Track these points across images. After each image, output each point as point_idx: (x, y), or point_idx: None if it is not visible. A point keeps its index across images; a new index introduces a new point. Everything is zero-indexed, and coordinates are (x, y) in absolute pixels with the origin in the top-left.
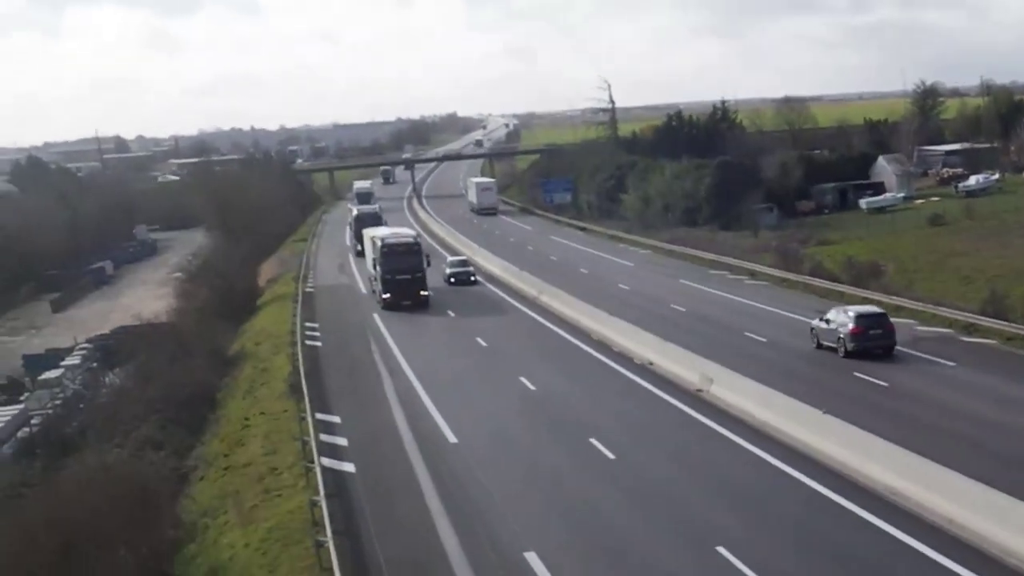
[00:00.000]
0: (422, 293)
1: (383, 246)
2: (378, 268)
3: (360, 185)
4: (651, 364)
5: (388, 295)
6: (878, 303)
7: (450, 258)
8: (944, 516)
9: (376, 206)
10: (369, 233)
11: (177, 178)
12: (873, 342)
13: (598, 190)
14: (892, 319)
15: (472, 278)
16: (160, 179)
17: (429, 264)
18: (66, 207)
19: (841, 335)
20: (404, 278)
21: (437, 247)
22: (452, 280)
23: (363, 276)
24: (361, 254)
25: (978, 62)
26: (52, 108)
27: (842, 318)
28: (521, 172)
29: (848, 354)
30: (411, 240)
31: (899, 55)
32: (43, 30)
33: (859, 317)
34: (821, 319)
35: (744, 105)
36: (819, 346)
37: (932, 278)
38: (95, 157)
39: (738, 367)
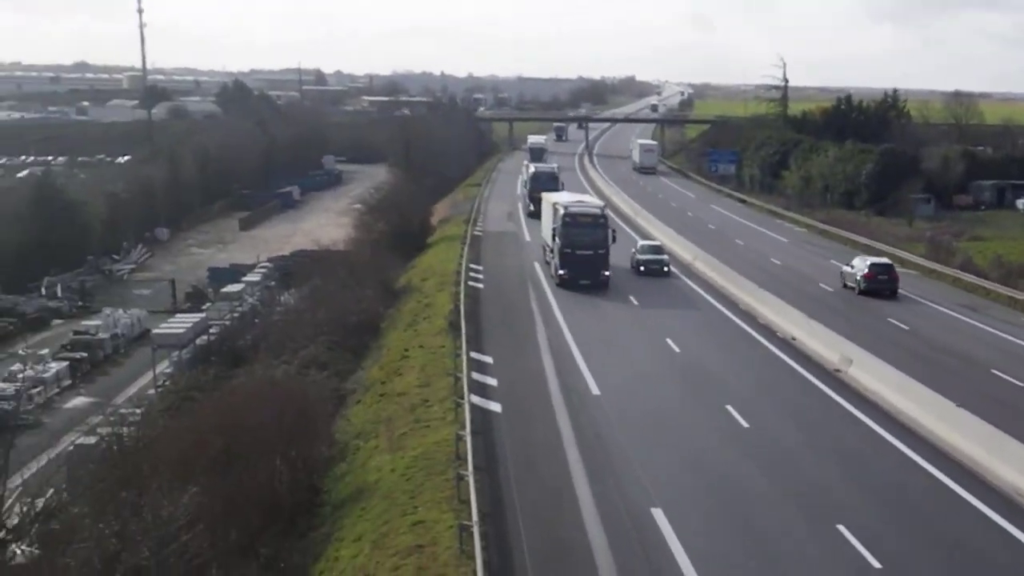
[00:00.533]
0: (604, 273)
1: (566, 215)
2: (557, 239)
3: (534, 140)
4: (794, 339)
5: (564, 271)
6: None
7: (641, 242)
8: None
9: (555, 166)
10: (551, 198)
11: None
12: (881, 285)
13: (761, 164)
14: None
15: (665, 268)
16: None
17: (615, 240)
18: (263, 132)
19: (858, 278)
20: (586, 254)
21: (594, 194)
22: (642, 269)
23: (530, 226)
24: (534, 215)
25: None
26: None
27: (860, 265)
28: (690, 140)
29: (861, 292)
30: (598, 211)
31: None
32: None
33: (872, 265)
34: (848, 265)
35: (913, 95)
36: (844, 286)
37: None
38: (295, 87)
39: (876, 348)
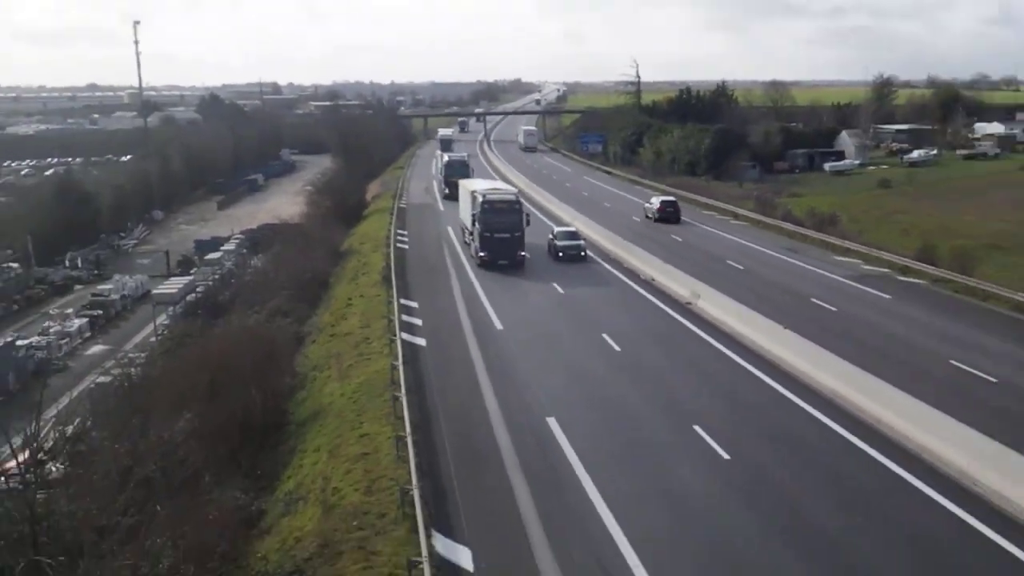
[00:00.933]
0: (520, 254)
1: (484, 202)
2: (476, 224)
3: (443, 132)
4: (653, 280)
5: (485, 253)
6: (833, 246)
7: (558, 229)
8: (873, 416)
9: (465, 154)
10: (468, 186)
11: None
12: (668, 215)
13: (622, 144)
14: (840, 258)
15: (582, 253)
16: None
17: (529, 223)
18: (233, 133)
19: (654, 211)
20: (503, 236)
21: (492, 172)
22: (560, 255)
23: (443, 201)
24: (449, 197)
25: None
26: (229, 58)
27: (655, 201)
28: (565, 127)
29: (656, 220)
30: (512, 198)
31: (864, 53)
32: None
33: (662, 202)
34: (647, 203)
35: (739, 85)
36: (646, 217)
37: (877, 229)
38: (257, 97)
39: (718, 285)
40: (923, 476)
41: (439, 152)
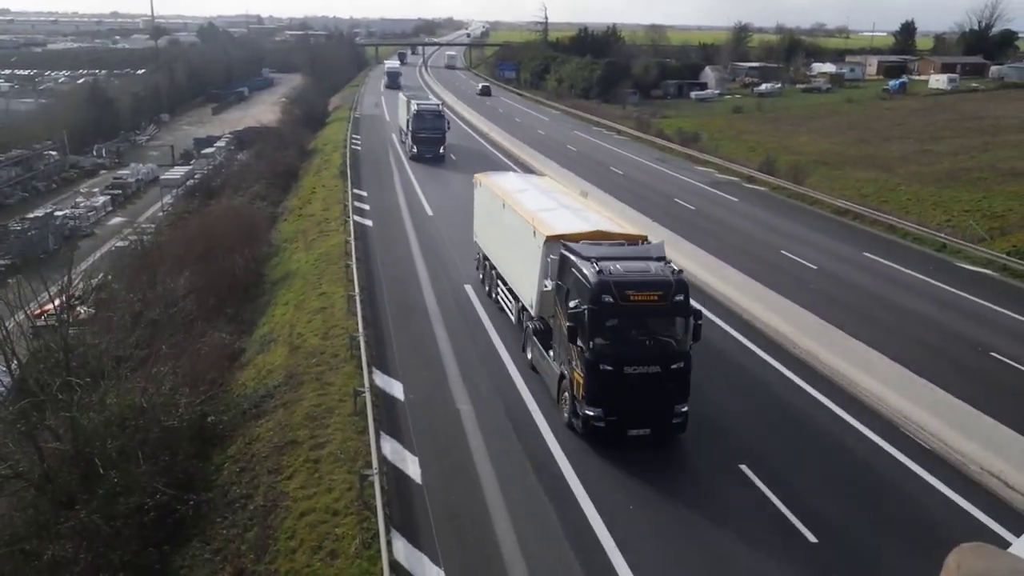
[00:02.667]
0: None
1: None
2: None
3: (390, 65)
4: (544, 174)
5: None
6: (695, 158)
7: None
8: (716, 289)
9: (438, 104)
10: (403, 97)
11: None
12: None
13: (532, 72)
14: (700, 168)
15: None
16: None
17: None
18: (226, 54)
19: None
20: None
21: (428, 91)
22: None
23: (390, 111)
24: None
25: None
26: None
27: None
28: (488, 57)
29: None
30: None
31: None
32: None
33: (482, 86)
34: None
35: (627, 28)
36: (478, 95)
37: (730, 145)
38: (244, 26)
39: (603, 186)
40: (752, 337)
41: (384, 83)
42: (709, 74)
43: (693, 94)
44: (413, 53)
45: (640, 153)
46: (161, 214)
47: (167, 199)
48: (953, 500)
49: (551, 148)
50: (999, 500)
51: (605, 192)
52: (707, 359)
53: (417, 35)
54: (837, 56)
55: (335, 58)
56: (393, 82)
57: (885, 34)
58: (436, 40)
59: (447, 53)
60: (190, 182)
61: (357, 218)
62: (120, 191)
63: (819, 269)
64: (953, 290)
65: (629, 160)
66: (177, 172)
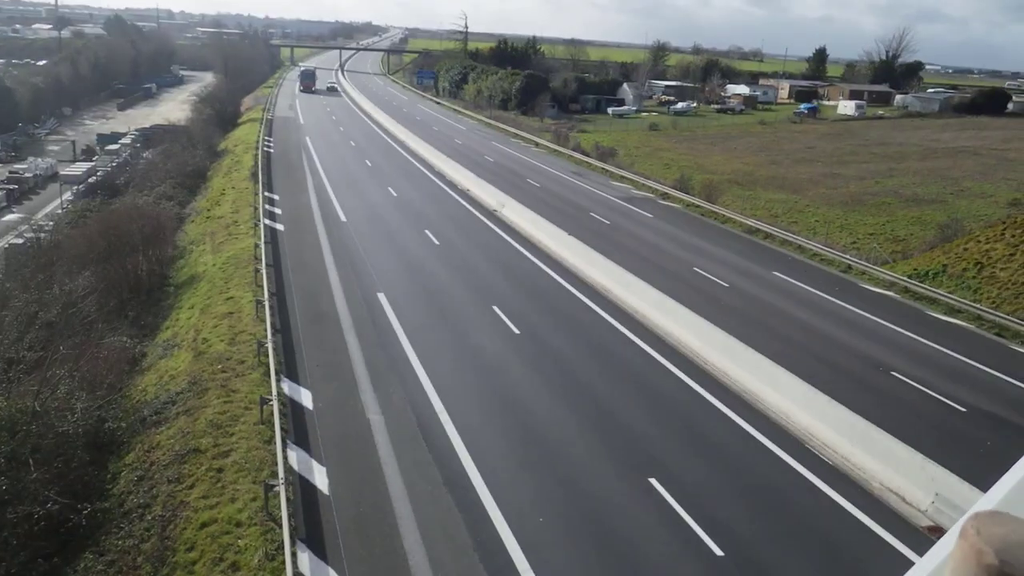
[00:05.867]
0: (313, 88)
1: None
2: (300, 78)
3: (305, 65)
4: (468, 191)
5: (301, 87)
6: (611, 173)
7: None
8: (631, 306)
9: (313, 67)
10: (299, 68)
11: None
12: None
13: (450, 81)
14: (616, 183)
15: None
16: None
17: (316, 79)
18: (133, 48)
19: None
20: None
21: (344, 95)
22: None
23: (304, 113)
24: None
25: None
26: None
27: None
28: (406, 64)
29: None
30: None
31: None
32: None
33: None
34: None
35: (546, 41)
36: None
37: (646, 162)
38: (154, 20)
39: (520, 198)
40: (663, 351)
41: (299, 85)
42: (627, 90)
43: (611, 110)
44: (340, 70)
45: (557, 166)
46: (60, 211)
47: (67, 196)
48: (854, 515)
49: (469, 158)
50: (898, 516)
51: (521, 203)
52: (619, 372)
53: (335, 38)
54: (751, 78)
55: (249, 58)
56: (307, 84)
57: (798, 59)
58: (352, 45)
59: (329, 81)
60: (92, 179)
61: (268, 221)
62: (16, 186)
63: (730, 287)
64: (856, 310)
65: (547, 172)
66: (78, 168)
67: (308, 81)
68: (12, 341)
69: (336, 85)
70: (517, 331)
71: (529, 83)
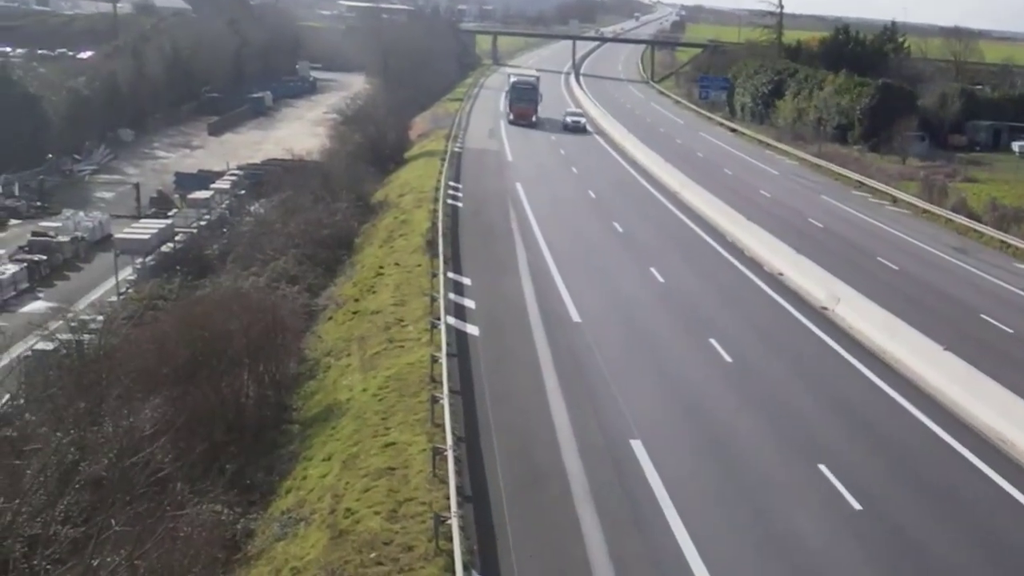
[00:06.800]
0: (534, 118)
1: (512, 85)
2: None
3: (518, 75)
4: (781, 275)
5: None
6: (1016, 249)
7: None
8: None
9: (535, 75)
10: (507, 71)
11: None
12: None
13: (754, 93)
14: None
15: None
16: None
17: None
18: (235, 32)
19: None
20: (523, 106)
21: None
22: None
23: (512, 145)
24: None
25: None
26: None
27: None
28: (682, 65)
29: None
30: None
31: None
32: None
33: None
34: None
35: (912, 29)
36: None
37: None
38: None
39: (865, 290)
40: None
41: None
42: None
43: (1017, 144)
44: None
45: (926, 237)
46: (115, 299)
47: (126, 274)
48: None
49: (782, 220)
50: None
51: (867, 299)
52: None
53: (564, 21)
54: None
55: (424, 51)
56: (522, 110)
57: None
58: (595, 34)
59: (568, 112)
60: (167, 247)
61: (452, 320)
62: (44, 256)
63: None
64: None
65: (908, 247)
66: (145, 229)
67: (524, 105)
68: (37, 510)
69: (582, 118)
70: (858, 507)
71: (883, 99)
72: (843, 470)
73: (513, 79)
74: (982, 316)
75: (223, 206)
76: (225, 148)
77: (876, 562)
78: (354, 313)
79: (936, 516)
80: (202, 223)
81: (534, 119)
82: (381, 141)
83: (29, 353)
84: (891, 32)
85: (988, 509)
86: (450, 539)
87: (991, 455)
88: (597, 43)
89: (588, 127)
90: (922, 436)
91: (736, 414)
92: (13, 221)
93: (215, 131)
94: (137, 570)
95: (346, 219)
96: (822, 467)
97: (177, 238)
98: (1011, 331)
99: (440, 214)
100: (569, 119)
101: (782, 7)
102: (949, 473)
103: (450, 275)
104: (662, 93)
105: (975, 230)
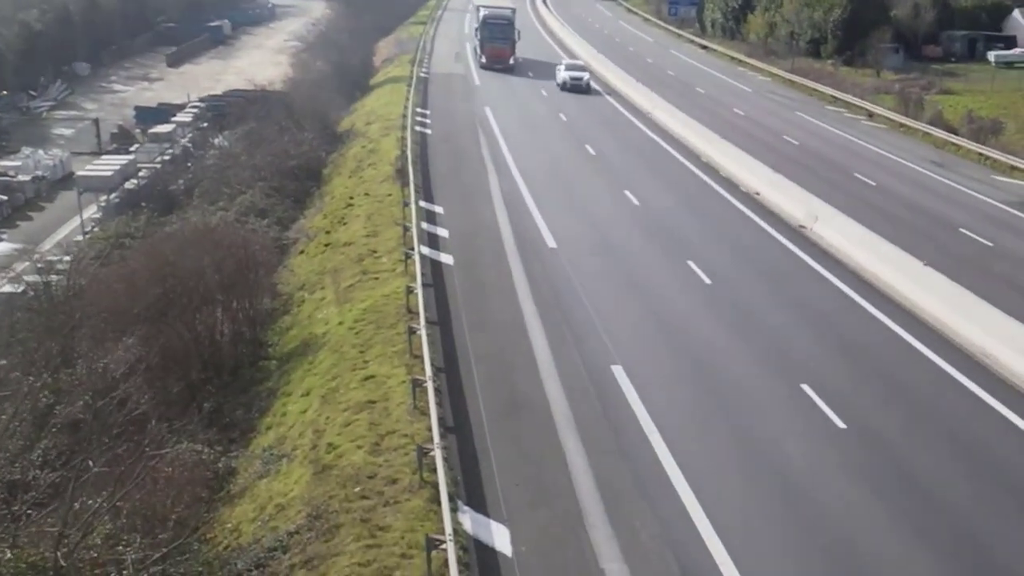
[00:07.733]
0: (511, 60)
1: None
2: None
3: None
4: (757, 194)
5: (484, 58)
6: (994, 161)
7: (566, 61)
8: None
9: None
10: (477, 3)
11: None
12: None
13: (724, 8)
14: (1002, 178)
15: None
16: None
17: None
18: None
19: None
20: (497, 45)
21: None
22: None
23: (477, 67)
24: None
25: None
26: None
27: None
28: None
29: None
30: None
31: None
32: None
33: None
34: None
35: None
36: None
37: None
38: None
39: (845, 207)
40: None
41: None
42: (1019, 22)
43: (992, 54)
44: None
45: (904, 151)
46: (81, 238)
47: (91, 212)
48: None
49: (758, 139)
50: None
51: (847, 217)
52: None
53: None
54: None
55: None
56: (496, 51)
57: None
58: None
59: (565, 64)
60: (131, 183)
61: (427, 250)
62: (4, 196)
63: None
64: None
65: (885, 162)
66: (107, 165)
67: (498, 44)
68: (14, 455)
69: (585, 72)
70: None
71: (856, 11)
72: (826, 389)
73: (483, 12)
74: (961, 230)
75: (186, 140)
76: (185, 80)
77: (862, 480)
78: (326, 245)
79: (921, 433)
80: (165, 158)
81: (511, 61)
82: (345, 68)
83: None
84: None
85: (971, 423)
86: (434, 471)
87: (974, 370)
88: None
89: (588, 85)
90: (905, 353)
91: (717, 336)
92: None
93: (173, 62)
94: (120, 511)
95: (313, 149)
96: (805, 387)
97: (140, 174)
98: (991, 244)
99: (409, 142)
100: (568, 75)
101: None
102: (934, 389)
103: (422, 204)
104: (631, 11)
105: (952, 143)
